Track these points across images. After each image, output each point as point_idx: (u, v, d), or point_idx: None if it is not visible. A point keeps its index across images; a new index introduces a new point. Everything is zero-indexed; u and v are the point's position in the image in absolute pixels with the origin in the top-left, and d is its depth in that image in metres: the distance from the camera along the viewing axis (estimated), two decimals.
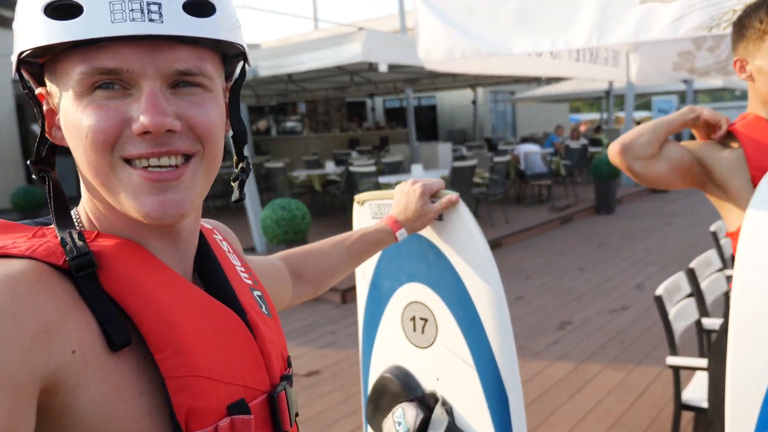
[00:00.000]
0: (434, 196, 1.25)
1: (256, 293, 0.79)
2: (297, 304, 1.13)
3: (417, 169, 8.32)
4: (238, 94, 0.73)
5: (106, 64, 0.58)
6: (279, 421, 0.69)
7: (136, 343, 0.60)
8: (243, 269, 0.82)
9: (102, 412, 0.56)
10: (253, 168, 9.63)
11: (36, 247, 0.60)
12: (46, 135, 0.66)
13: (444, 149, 11.73)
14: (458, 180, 7.75)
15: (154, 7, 0.58)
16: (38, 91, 0.66)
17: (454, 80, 12.61)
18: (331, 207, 10.78)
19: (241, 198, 0.76)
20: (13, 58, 0.62)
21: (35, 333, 0.53)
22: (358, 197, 1.39)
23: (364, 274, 1.45)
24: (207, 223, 0.86)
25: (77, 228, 0.66)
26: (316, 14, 19.66)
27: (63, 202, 0.67)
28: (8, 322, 0.52)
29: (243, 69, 0.74)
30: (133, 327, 0.60)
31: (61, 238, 0.62)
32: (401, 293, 1.36)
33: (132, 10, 0.57)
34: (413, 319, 1.34)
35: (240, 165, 0.76)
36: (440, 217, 1.26)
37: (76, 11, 0.57)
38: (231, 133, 0.74)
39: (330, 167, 10.27)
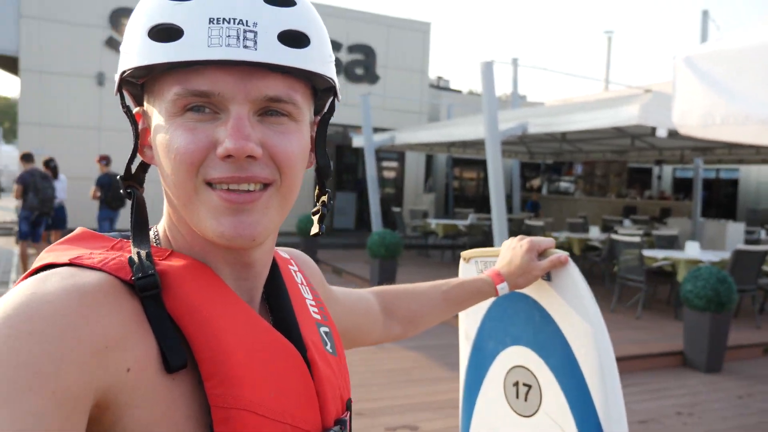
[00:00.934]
0: (542, 254, 1.17)
1: (323, 329, 0.77)
2: (385, 343, 1.10)
3: (692, 246, 7.40)
4: (325, 128, 0.74)
5: (199, 87, 0.61)
6: None
7: (190, 367, 0.60)
8: (314, 303, 0.80)
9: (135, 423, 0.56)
10: (511, 222, 9.64)
11: (108, 261, 0.61)
12: (138, 153, 0.70)
13: (735, 229, 10.24)
14: (740, 266, 6.68)
15: (249, 35, 0.60)
16: (136, 110, 0.70)
17: (758, 153, 11.00)
18: (588, 274, 10.17)
19: (320, 232, 0.76)
20: (116, 77, 0.66)
21: (96, 348, 0.54)
22: (464, 254, 1.33)
23: (467, 333, 1.38)
24: (284, 253, 0.86)
25: (153, 245, 0.69)
26: (608, 76, 19.06)
27: (144, 219, 0.69)
28: (71, 335, 0.53)
29: (332, 103, 0.74)
30: (190, 350, 0.60)
31: (129, 257, 0.62)
32: (505, 356, 1.27)
33: (228, 36, 0.59)
34: (516, 384, 1.23)
35: (322, 199, 0.76)
36: (549, 278, 1.17)
37: (176, 35, 0.60)
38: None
39: (594, 232, 9.73)
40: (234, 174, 0.62)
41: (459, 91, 21.94)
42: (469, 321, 1.38)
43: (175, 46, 0.60)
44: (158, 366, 0.58)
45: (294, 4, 0.65)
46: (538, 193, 19.33)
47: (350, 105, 13.56)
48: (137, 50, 0.62)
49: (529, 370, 1.21)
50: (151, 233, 0.71)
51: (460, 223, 11.64)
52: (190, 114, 0.62)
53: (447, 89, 21.14)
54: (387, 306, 1.08)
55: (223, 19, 0.60)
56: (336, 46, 14.36)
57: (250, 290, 0.71)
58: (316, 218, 0.77)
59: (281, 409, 0.63)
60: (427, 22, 15.87)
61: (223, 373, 0.59)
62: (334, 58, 0.70)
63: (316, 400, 0.68)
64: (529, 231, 10.18)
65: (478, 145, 12.39)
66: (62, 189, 9.21)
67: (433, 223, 11.93)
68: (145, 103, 0.68)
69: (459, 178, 19.33)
